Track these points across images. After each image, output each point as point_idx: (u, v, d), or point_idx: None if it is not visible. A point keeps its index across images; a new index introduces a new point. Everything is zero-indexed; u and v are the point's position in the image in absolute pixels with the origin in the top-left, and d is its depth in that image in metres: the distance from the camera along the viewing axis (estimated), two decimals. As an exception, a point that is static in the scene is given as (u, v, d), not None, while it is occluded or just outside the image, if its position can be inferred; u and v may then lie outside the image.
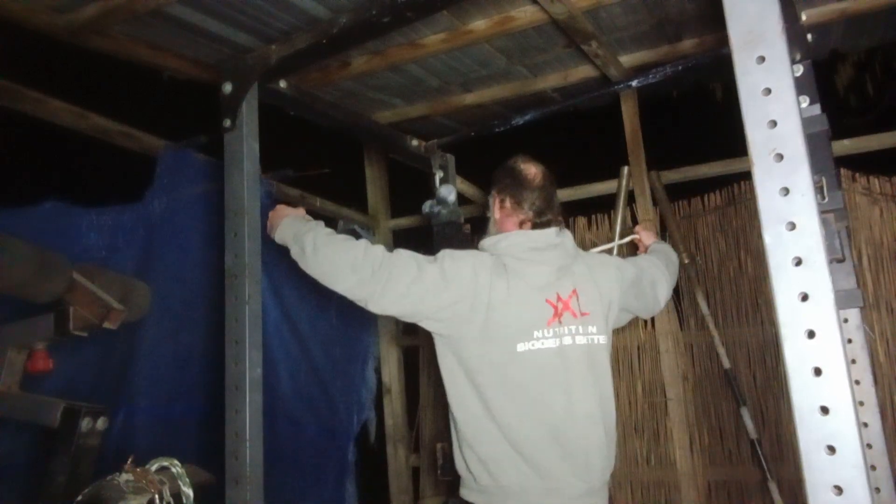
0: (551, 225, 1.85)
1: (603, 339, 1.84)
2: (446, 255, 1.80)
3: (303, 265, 1.83)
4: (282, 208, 1.98)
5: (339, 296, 1.81)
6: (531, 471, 1.69)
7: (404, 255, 1.79)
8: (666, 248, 2.31)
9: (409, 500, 3.68)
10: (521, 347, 1.73)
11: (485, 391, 1.74)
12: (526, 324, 1.74)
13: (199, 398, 2.63)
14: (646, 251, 2.32)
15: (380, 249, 1.78)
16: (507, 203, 1.88)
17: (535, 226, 1.84)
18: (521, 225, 1.85)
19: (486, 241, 1.87)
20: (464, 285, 1.74)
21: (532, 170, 1.89)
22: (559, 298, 1.79)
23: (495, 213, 1.92)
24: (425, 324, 1.80)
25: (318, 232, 1.83)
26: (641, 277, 2.03)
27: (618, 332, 3.11)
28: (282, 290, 3.05)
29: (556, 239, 1.82)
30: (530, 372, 1.73)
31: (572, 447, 1.71)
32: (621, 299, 1.94)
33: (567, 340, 1.76)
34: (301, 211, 1.98)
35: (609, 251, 2.27)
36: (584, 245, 3.42)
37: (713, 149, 3.15)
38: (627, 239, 2.42)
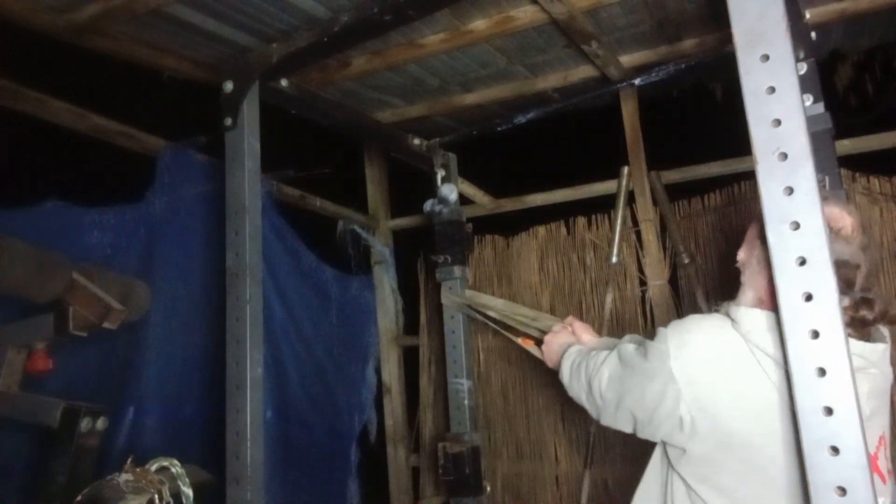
0: (874, 324, 1.22)
1: None
2: (664, 360, 1.32)
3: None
4: (553, 338, 1.91)
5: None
6: None
7: (628, 373, 1.41)
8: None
9: (409, 500, 3.68)
10: None
11: None
12: (785, 478, 1.17)
13: (201, 398, 2.63)
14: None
15: (607, 368, 1.46)
16: None
17: (856, 325, 1.19)
18: None
19: (746, 316, 1.27)
20: (702, 408, 1.25)
21: (846, 219, 1.25)
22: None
23: (766, 287, 1.28)
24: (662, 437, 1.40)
25: (563, 369, 1.69)
26: None
27: (618, 333, 3.10)
28: (285, 291, 3.05)
29: (882, 353, 1.24)
30: None
31: None
32: None
33: None
34: (560, 335, 1.91)
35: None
36: (584, 245, 3.43)
37: (713, 149, 3.15)
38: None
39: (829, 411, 0.95)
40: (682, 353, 1.31)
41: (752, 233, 1.40)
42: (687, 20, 2.57)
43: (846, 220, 1.24)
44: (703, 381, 1.28)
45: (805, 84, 1.29)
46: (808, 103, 1.38)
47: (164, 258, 2.65)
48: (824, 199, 1.09)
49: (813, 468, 0.95)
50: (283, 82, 2.40)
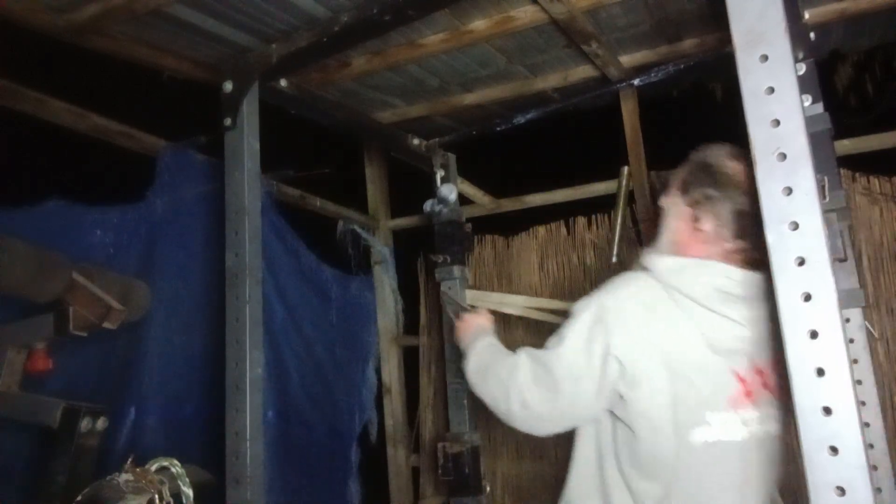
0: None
1: (779, 424, 1.41)
2: (596, 317, 1.36)
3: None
4: (471, 318, 1.87)
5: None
6: None
7: (555, 363, 1.40)
8: None
9: (409, 500, 3.68)
10: (694, 436, 1.30)
11: (645, 481, 1.36)
12: (699, 401, 1.31)
13: (201, 398, 2.63)
14: None
15: (523, 373, 1.45)
16: (707, 224, 1.35)
17: (746, 264, 1.32)
18: (724, 258, 1.34)
19: (658, 262, 1.39)
20: (633, 349, 1.32)
21: (743, 171, 1.33)
22: (754, 368, 1.34)
23: (679, 230, 1.41)
24: (603, 408, 1.43)
25: (470, 361, 1.67)
26: None
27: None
28: (286, 291, 3.05)
29: (766, 284, 1.37)
30: (702, 471, 1.32)
31: None
32: None
33: (756, 429, 1.34)
34: (479, 318, 1.88)
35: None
36: (584, 244, 3.43)
37: (713, 149, 3.14)
38: None
39: (827, 411, 0.95)
40: (617, 305, 1.36)
41: (675, 181, 1.45)
42: (687, 20, 2.57)
43: (742, 172, 1.32)
44: (635, 325, 1.33)
45: (804, 84, 1.29)
46: (807, 104, 1.38)
47: (164, 258, 2.66)
48: (733, 156, 1.35)
49: (812, 468, 0.95)
50: (283, 82, 2.40)
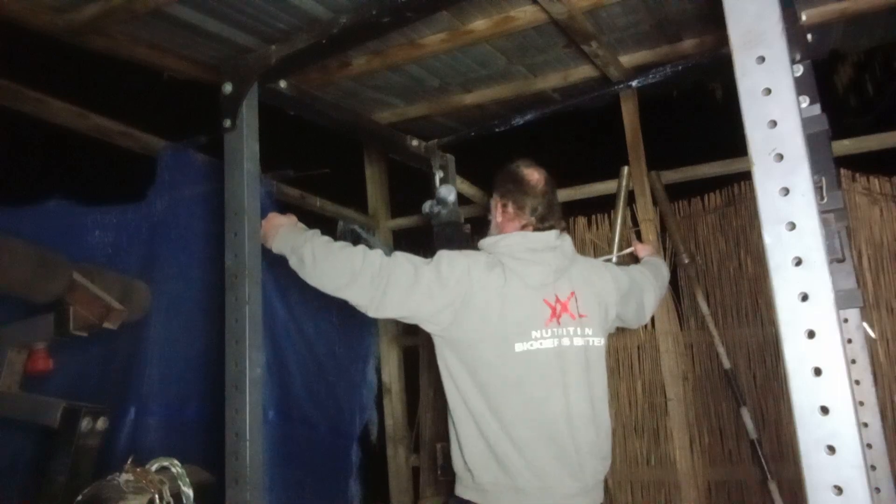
0: (553, 229, 1.90)
1: (599, 342, 1.89)
2: (442, 256, 1.84)
3: (303, 276, 1.88)
4: (274, 216, 2.02)
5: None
6: (527, 470, 1.73)
7: (401, 260, 1.83)
8: (658, 261, 2.41)
9: (409, 500, 3.68)
10: (519, 347, 1.76)
11: (483, 391, 1.77)
12: (523, 323, 1.78)
13: (201, 398, 2.63)
14: (638, 263, 2.40)
15: (377, 256, 1.83)
16: (510, 208, 1.91)
17: (537, 230, 1.88)
18: (522, 229, 1.89)
19: (484, 242, 1.92)
20: (459, 286, 1.77)
21: (535, 175, 1.93)
22: (557, 300, 1.83)
23: (497, 216, 1.97)
24: (425, 326, 1.83)
25: (316, 242, 1.87)
26: (632, 287, 2.08)
27: (618, 333, 3.12)
28: (287, 290, 3.05)
29: (556, 241, 1.87)
30: (529, 372, 1.76)
31: (567, 448, 1.76)
32: (617, 305, 2.00)
33: (566, 342, 1.80)
34: (293, 218, 2.03)
35: (608, 262, 2.31)
36: (584, 244, 3.43)
37: (713, 149, 3.15)
38: (626, 251, 2.57)
39: (825, 411, 0.95)
40: (469, 257, 1.84)
41: (495, 186, 1.98)
42: (687, 20, 2.58)
43: (535, 176, 1.92)
44: (477, 269, 1.80)
45: (801, 86, 1.29)
46: (804, 105, 1.37)
47: (164, 258, 2.66)
48: (528, 165, 1.94)
49: (810, 467, 0.95)
50: (283, 83, 2.40)
